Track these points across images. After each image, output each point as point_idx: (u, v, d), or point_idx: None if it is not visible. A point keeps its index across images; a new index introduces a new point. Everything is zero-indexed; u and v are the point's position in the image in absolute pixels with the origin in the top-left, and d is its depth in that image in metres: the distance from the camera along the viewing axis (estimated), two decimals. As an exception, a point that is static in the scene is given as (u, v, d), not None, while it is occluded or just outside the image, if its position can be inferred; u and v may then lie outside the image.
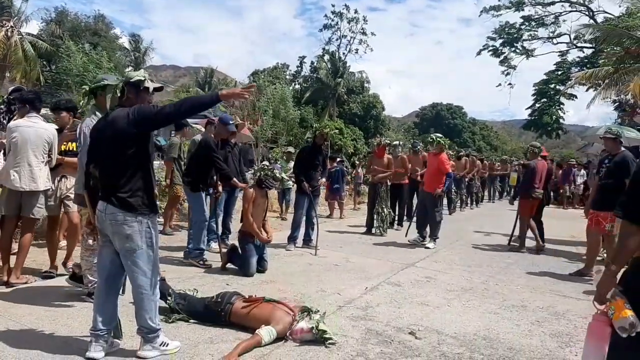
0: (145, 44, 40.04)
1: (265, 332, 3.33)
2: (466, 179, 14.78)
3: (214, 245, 6.59)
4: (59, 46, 25.73)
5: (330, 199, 12.40)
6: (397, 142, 10.35)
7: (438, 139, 8.18)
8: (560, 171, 20.10)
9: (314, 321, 3.49)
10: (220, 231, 6.83)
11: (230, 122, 6.53)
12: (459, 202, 14.58)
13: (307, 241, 7.39)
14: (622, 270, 2.13)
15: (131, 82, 3.07)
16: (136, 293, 3.07)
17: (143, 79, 3.11)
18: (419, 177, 9.99)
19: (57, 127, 5.02)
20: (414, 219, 11.05)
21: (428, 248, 7.80)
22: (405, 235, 8.56)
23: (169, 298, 3.82)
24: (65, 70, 23.06)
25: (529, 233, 8.16)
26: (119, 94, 3.06)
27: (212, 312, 3.71)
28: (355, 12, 40.67)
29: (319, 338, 3.45)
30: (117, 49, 34.12)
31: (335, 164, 12.64)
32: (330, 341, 3.46)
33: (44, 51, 26.41)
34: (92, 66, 22.18)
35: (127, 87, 3.06)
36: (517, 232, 8.33)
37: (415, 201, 11.46)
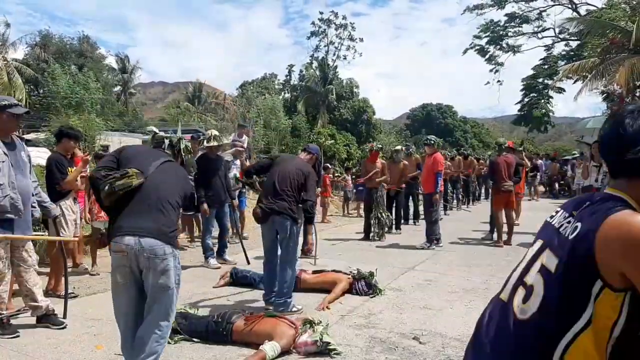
0: (132, 63, 40.15)
1: (269, 348, 3.31)
2: (462, 178, 14.82)
3: (213, 262, 6.56)
4: (45, 70, 25.65)
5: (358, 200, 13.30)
6: (399, 147, 10.36)
7: (432, 140, 8.46)
8: (554, 164, 20.20)
9: (317, 333, 3.48)
10: (216, 247, 6.84)
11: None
12: (455, 202, 14.63)
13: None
14: None
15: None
16: (148, 332, 2.78)
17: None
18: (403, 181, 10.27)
19: (62, 153, 5.15)
20: (416, 222, 11.16)
21: (432, 249, 7.90)
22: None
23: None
24: (52, 93, 23.00)
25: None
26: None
27: (214, 332, 3.69)
28: (344, 18, 40.67)
29: (323, 349, 3.44)
30: (104, 69, 34.00)
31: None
32: (335, 352, 3.45)
33: (31, 76, 26.31)
34: (79, 88, 22.15)
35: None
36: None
37: (411, 204, 11.51)
